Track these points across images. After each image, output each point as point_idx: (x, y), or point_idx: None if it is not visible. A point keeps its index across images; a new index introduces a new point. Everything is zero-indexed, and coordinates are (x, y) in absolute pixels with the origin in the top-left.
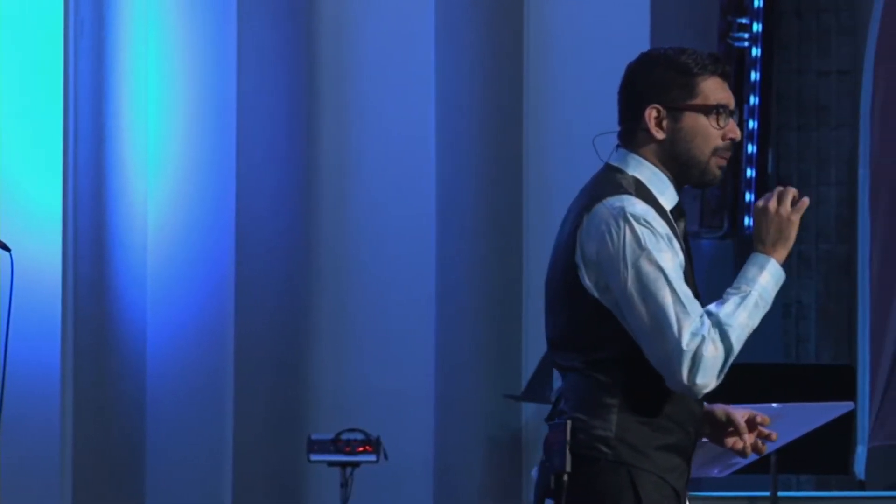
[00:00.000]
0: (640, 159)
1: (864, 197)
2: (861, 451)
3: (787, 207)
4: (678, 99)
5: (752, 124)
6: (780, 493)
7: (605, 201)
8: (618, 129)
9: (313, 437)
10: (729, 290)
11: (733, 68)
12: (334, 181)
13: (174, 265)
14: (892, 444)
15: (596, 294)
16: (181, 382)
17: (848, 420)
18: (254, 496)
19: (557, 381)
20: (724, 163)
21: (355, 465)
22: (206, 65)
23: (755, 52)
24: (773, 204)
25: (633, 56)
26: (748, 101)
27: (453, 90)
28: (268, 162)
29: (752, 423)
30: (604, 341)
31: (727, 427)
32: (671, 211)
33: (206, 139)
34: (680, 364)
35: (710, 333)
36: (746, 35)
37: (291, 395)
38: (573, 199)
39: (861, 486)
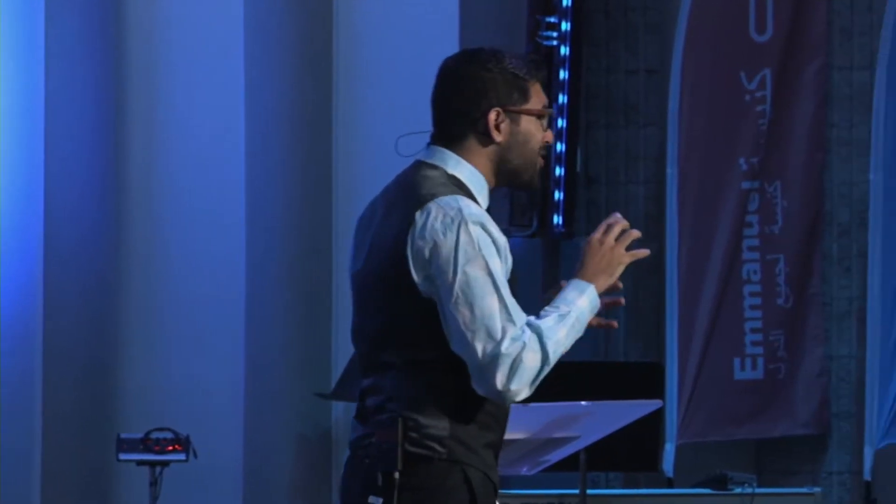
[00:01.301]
0: (459, 159)
1: (671, 195)
2: (669, 449)
3: (614, 241)
4: (517, 103)
5: (560, 123)
6: (589, 491)
7: (439, 200)
8: (431, 129)
9: (122, 436)
10: (548, 307)
11: None
12: (143, 180)
13: None
14: (700, 441)
15: (425, 292)
16: None
17: (656, 418)
18: (62, 495)
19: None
20: (542, 164)
21: (164, 464)
22: (13, 63)
23: (564, 50)
24: (607, 238)
25: (443, 56)
26: (557, 99)
27: (263, 91)
28: (76, 160)
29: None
30: (436, 339)
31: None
32: None
33: (13, 137)
34: (497, 368)
35: (530, 342)
36: (555, 34)
37: (100, 394)
38: (384, 194)
39: (669, 483)
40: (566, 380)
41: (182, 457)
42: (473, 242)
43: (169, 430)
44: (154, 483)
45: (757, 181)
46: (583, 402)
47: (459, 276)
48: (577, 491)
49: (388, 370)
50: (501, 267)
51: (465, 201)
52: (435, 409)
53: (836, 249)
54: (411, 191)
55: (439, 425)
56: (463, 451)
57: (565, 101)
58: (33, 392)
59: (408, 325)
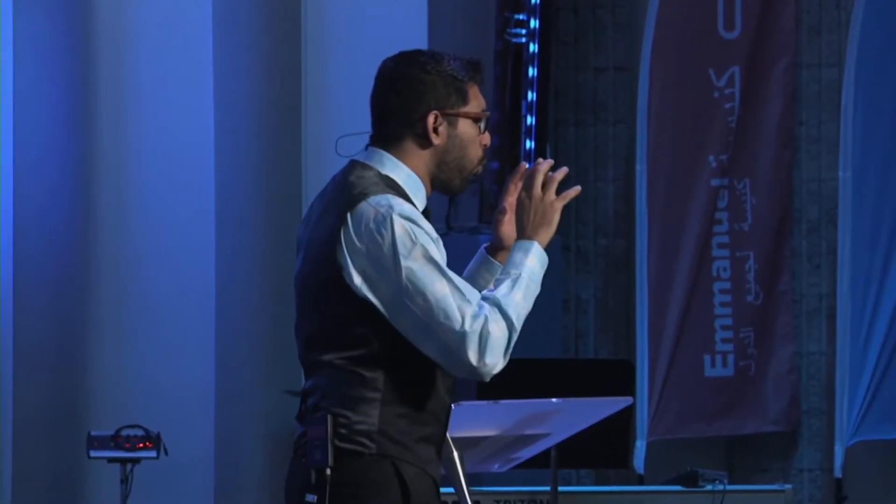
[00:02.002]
0: (396, 161)
1: (641, 193)
2: (640, 446)
3: (540, 192)
4: (456, 105)
5: (529, 120)
6: (560, 488)
7: (369, 199)
8: (371, 130)
9: (93, 433)
10: (499, 276)
11: (511, 64)
12: (113, 177)
13: None
14: (671, 438)
15: (363, 292)
16: None
17: (627, 415)
18: (33, 493)
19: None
20: (480, 171)
21: (135, 461)
22: None
23: (532, 48)
24: (533, 192)
25: None
26: (526, 97)
27: (232, 89)
28: (45, 157)
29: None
30: (366, 338)
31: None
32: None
33: None
34: (466, 347)
35: (491, 314)
36: (524, 31)
37: (71, 392)
38: (320, 195)
39: (640, 480)
40: (537, 377)
41: (153, 454)
42: (409, 234)
43: (140, 427)
44: (125, 480)
45: (726, 178)
46: (554, 399)
47: (404, 269)
48: (548, 488)
49: (324, 369)
50: (442, 254)
51: (396, 199)
52: (365, 406)
53: (806, 246)
54: (344, 191)
55: (368, 421)
56: (393, 446)
57: (534, 98)
58: (3, 390)
59: (340, 324)
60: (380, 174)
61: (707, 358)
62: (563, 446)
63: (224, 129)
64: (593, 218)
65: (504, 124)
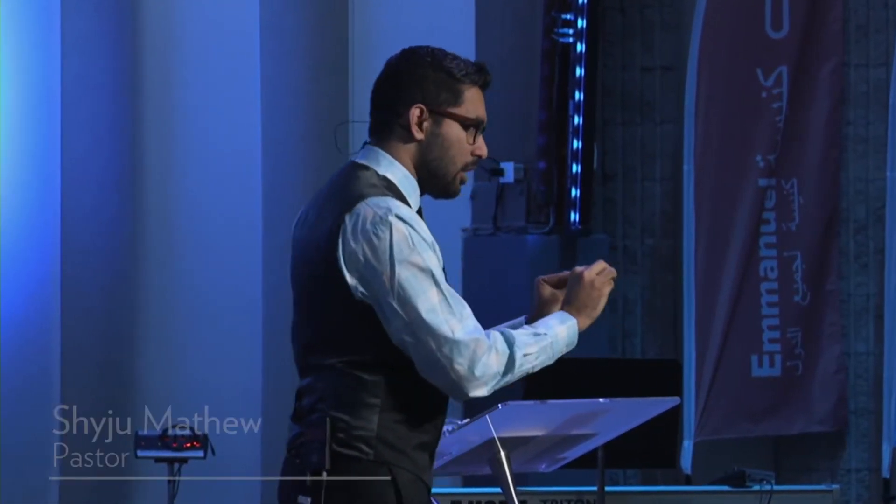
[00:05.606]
0: (392, 159)
1: (688, 192)
2: (687, 446)
3: (595, 275)
4: (444, 104)
5: (577, 120)
6: (607, 488)
7: (368, 200)
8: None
9: (140, 433)
10: (527, 326)
11: (558, 64)
12: (160, 177)
13: None
14: (718, 438)
15: (359, 294)
16: (6, 381)
17: (674, 415)
18: (80, 492)
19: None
20: (465, 179)
21: (183, 460)
22: (29, 58)
23: (580, 47)
24: (589, 273)
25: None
26: (573, 96)
27: (279, 88)
28: (92, 157)
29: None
30: (368, 342)
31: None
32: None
33: (30, 134)
34: (453, 358)
35: (499, 345)
36: (571, 31)
37: (119, 391)
38: (317, 196)
39: (687, 480)
40: (584, 377)
41: (200, 454)
42: (406, 240)
43: (187, 426)
44: (172, 480)
45: (773, 178)
46: (601, 399)
47: (397, 274)
48: (595, 488)
49: (321, 371)
50: (437, 262)
51: (394, 202)
52: (364, 411)
53: (853, 246)
54: (342, 192)
55: (367, 426)
56: (391, 452)
57: (581, 98)
58: (52, 390)
59: (339, 328)
60: (377, 174)
61: (754, 358)
62: (610, 446)
63: (271, 129)
64: (640, 218)
65: (551, 124)
